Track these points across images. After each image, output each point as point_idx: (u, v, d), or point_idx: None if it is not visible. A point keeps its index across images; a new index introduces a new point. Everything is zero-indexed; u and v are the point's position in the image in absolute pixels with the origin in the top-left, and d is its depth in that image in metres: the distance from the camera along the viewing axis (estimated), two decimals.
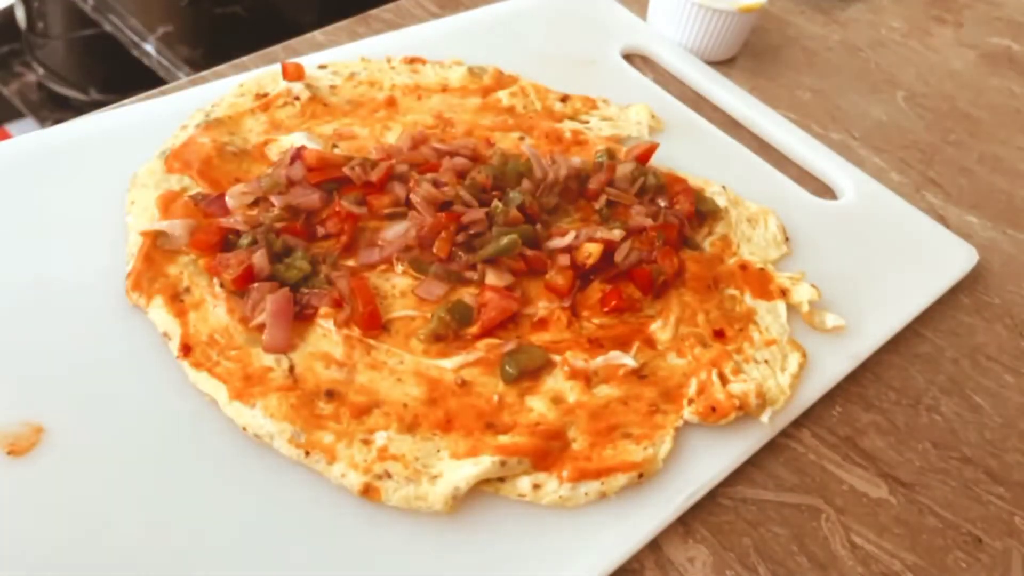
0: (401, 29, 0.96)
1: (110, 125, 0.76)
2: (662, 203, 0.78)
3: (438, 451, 0.58)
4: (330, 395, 0.60)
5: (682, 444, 0.62)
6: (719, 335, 0.69)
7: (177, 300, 0.63)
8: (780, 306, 0.73)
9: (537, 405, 0.62)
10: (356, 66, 0.87)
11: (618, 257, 0.71)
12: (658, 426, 0.62)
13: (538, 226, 0.72)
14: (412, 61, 0.89)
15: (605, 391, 0.64)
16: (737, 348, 0.68)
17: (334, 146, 0.78)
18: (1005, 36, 1.26)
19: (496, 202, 0.71)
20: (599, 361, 0.65)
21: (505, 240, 0.68)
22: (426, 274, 0.68)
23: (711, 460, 0.62)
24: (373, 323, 0.64)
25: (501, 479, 0.58)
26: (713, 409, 0.63)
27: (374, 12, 1.02)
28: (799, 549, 0.60)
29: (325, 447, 0.56)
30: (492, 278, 0.67)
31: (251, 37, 0.98)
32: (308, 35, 0.95)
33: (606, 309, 0.69)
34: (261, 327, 0.62)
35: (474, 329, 0.65)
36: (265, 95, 0.81)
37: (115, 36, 1.61)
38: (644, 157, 0.81)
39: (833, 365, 0.70)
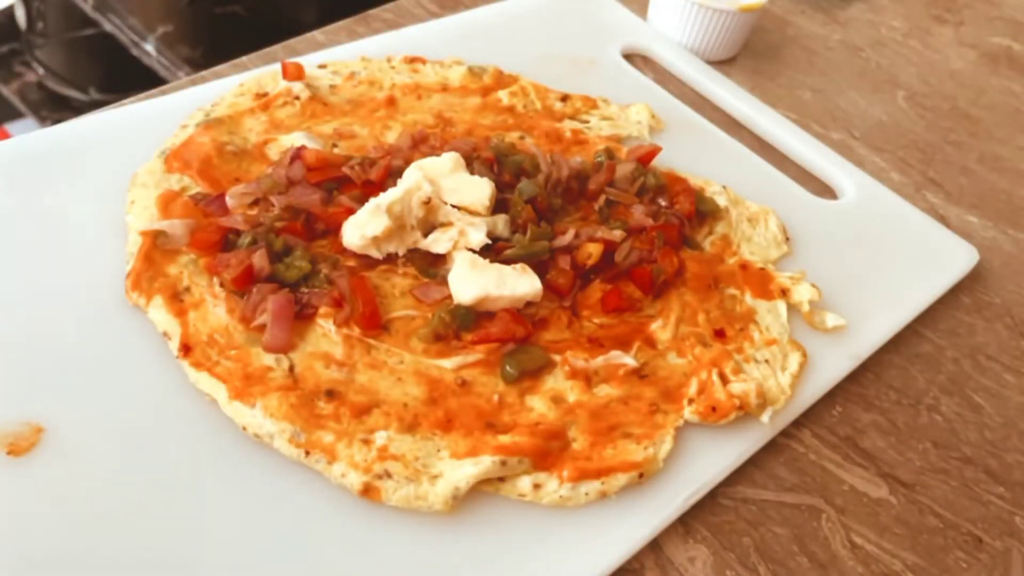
0: (401, 29, 0.96)
1: (110, 125, 0.76)
2: (662, 203, 0.78)
3: (438, 451, 0.58)
4: (330, 395, 0.60)
5: (682, 444, 0.62)
6: (719, 335, 0.69)
7: (177, 300, 0.63)
8: (780, 306, 0.73)
9: (537, 405, 0.62)
10: (356, 65, 0.87)
11: (618, 257, 0.71)
12: (658, 426, 0.62)
13: (542, 224, 0.72)
14: (412, 61, 0.89)
15: (605, 391, 0.64)
16: (737, 348, 0.68)
17: (334, 146, 0.78)
18: (1005, 36, 1.26)
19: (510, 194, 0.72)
20: (599, 361, 0.65)
21: (537, 246, 0.69)
22: (427, 274, 0.68)
23: (711, 460, 0.62)
24: (373, 323, 0.63)
25: (501, 479, 0.58)
26: (713, 409, 0.63)
27: (374, 12, 1.02)
28: (799, 549, 0.60)
29: (325, 447, 0.56)
30: None
31: (251, 37, 0.98)
32: (308, 35, 0.95)
33: (606, 309, 0.69)
34: (261, 327, 0.62)
35: (471, 336, 0.64)
36: (265, 95, 0.81)
37: (115, 36, 1.61)
38: (646, 159, 0.81)
39: (833, 365, 0.70)
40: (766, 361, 0.68)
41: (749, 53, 1.10)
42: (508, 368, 0.63)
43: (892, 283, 0.78)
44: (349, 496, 0.56)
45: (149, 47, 1.57)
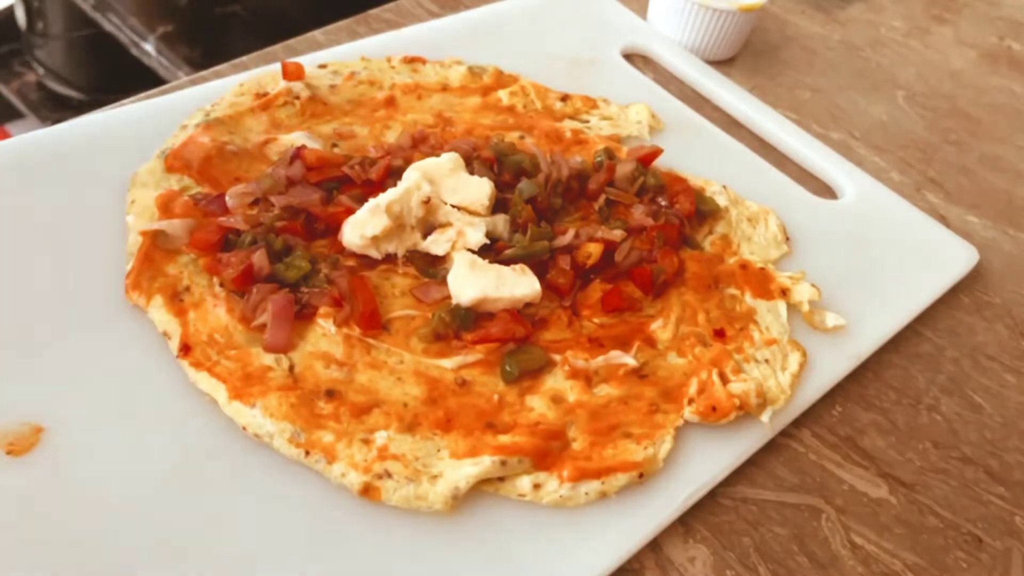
0: (401, 29, 0.96)
1: (110, 125, 0.76)
2: (662, 203, 0.78)
3: (438, 451, 0.58)
4: (330, 394, 0.60)
5: (682, 444, 0.62)
6: (719, 334, 0.69)
7: (177, 300, 0.63)
8: (780, 305, 0.73)
9: (537, 405, 0.62)
10: (356, 65, 0.87)
11: (618, 257, 0.71)
12: (658, 426, 0.62)
13: (542, 223, 0.72)
14: (412, 60, 0.89)
15: (605, 391, 0.64)
16: (737, 347, 0.68)
17: (334, 145, 0.78)
18: (1005, 36, 1.26)
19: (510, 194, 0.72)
20: (599, 361, 0.65)
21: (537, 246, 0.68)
22: (426, 274, 0.68)
23: (711, 460, 0.62)
24: (373, 322, 0.63)
25: (501, 479, 0.58)
26: (713, 408, 0.63)
27: (374, 12, 1.02)
28: (799, 549, 0.60)
29: (325, 447, 0.56)
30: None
31: (251, 37, 0.98)
32: (308, 35, 0.95)
33: (606, 309, 0.69)
34: (261, 327, 0.62)
35: (471, 336, 0.64)
36: (265, 94, 0.81)
37: (115, 36, 1.61)
38: (647, 160, 0.81)
39: (833, 365, 0.70)
40: (766, 361, 0.68)
41: (749, 53, 1.10)
42: (508, 368, 0.63)
43: (892, 283, 0.78)
44: (349, 496, 0.56)
45: (149, 47, 1.57)
